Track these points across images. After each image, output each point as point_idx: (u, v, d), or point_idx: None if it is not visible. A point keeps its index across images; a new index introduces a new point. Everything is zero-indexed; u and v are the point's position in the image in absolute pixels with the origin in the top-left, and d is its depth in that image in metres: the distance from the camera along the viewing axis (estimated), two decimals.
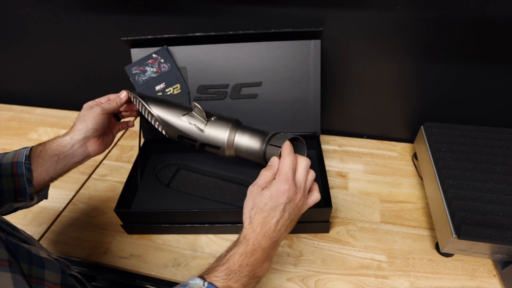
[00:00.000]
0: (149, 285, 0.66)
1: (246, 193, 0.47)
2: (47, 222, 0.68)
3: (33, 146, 0.53)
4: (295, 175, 0.45)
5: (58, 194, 0.74)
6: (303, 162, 0.46)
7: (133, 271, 0.59)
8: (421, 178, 0.72)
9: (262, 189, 0.44)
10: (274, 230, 0.43)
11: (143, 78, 0.70)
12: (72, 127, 0.55)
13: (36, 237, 0.65)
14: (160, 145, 0.77)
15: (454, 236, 0.51)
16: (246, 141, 0.53)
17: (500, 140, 0.67)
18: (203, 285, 0.38)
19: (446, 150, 0.65)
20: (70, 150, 0.54)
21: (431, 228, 0.63)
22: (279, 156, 0.47)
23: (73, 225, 0.67)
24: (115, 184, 0.76)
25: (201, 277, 0.39)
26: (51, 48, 0.88)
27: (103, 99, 0.59)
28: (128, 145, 0.87)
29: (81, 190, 0.75)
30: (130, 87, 0.72)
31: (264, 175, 0.46)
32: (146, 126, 0.75)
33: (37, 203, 0.55)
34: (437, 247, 0.59)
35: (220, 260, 0.41)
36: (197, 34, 0.66)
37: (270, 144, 0.50)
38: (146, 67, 0.70)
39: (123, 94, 0.59)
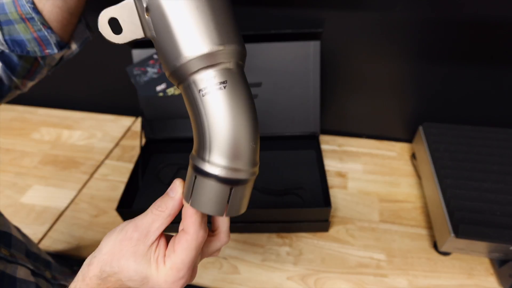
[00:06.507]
0: None
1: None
2: (49, 221, 0.68)
3: None
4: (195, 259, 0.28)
5: (60, 194, 0.74)
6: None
7: None
8: (420, 178, 0.73)
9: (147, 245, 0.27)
10: None
11: (145, 79, 0.71)
12: None
13: (39, 236, 0.66)
14: (161, 145, 0.77)
15: (452, 235, 0.51)
16: None
17: (498, 140, 0.67)
18: None
19: (445, 150, 0.66)
20: None
21: (429, 227, 0.64)
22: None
23: (75, 224, 0.68)
24: (117, 183, 0.77)
25: None
26: None
27: None
28: (130, 145, 0.88)
29: (83, 190, 0.76)
30: (131, 87, 0.72)
31: (155, 214, 0.28)
32: (148, 126, 0.75)
33: (80, 47, 0.43)
34: (435, 246, 0.60)
35: None
36: None
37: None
38: (148, 68, 0.71)
39: None
